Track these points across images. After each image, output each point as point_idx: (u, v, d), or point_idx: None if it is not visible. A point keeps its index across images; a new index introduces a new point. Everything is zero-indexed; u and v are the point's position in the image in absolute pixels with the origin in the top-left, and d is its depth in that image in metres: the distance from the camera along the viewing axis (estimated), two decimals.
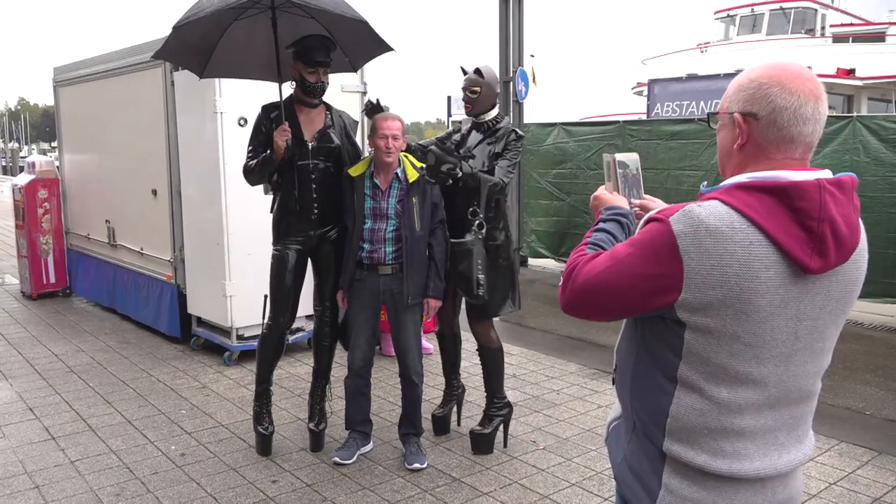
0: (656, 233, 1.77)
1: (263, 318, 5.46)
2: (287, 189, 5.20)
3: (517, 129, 5.20)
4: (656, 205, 2.25)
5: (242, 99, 6.93)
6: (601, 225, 2.19)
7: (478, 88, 5.21)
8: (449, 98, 21.29)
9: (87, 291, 10.34)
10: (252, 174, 5.12)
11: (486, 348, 5.37)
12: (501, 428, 5.46)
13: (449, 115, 21.41)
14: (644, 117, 19.35)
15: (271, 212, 5.33)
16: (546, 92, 20.68)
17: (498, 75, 8.09)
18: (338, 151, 5.23)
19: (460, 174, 4.82)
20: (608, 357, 7.53)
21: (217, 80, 6.86)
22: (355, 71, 5.59)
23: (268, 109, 5.19)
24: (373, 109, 5.22)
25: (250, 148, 5.17)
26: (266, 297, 5.43)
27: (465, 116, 5.40)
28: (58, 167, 10.92)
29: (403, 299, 5.03)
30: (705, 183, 1.92)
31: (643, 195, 2.35)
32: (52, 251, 10.75)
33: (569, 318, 8.99)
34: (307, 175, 5.16)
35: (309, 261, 5.38)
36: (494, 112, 5.29)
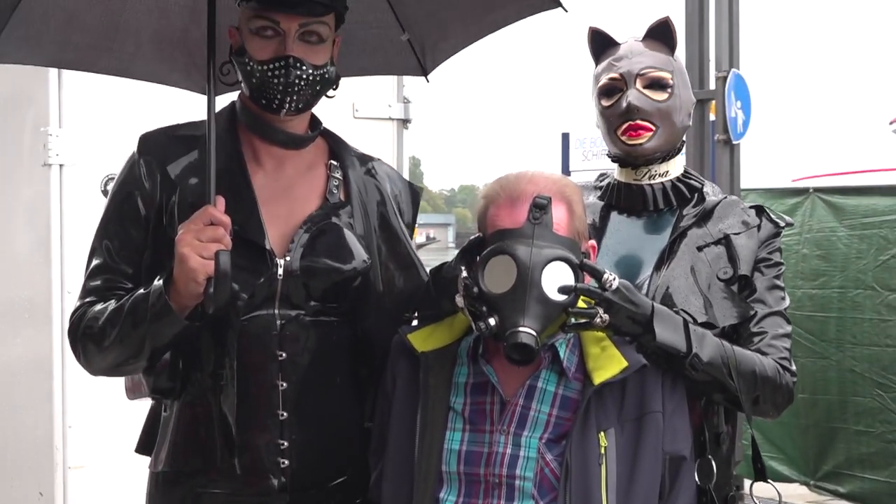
0: None
1: None
2: (200, 395, 1.80)
3: (769, 210, 2.11)
4: None
5: (116, 132, 2.97)
6: None
7: (668, 79, 2.04)
8: (565, 137, 10.68)
9: None
10: (103, 345, 1.74)
11: None
12: None
13: (565, 164, 10.53)
14: None
15: (148, 454, 1.90)
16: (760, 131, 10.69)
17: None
18: (362, 281, 1.87)
19: (694, 355, 1.72)
20: None
21: (50, 70, 3.16)
22: (426, 73, 2.26)
23: (158, 150, 1.85)
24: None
25: (96, 263, 1.81)
26: None
27: (607, 170, 2.24)
28: None
29: None
30: None
31: None
32: None
33: None
34: (266, 351, 1.79)
35: None
36: (678, 163, 2.13)
